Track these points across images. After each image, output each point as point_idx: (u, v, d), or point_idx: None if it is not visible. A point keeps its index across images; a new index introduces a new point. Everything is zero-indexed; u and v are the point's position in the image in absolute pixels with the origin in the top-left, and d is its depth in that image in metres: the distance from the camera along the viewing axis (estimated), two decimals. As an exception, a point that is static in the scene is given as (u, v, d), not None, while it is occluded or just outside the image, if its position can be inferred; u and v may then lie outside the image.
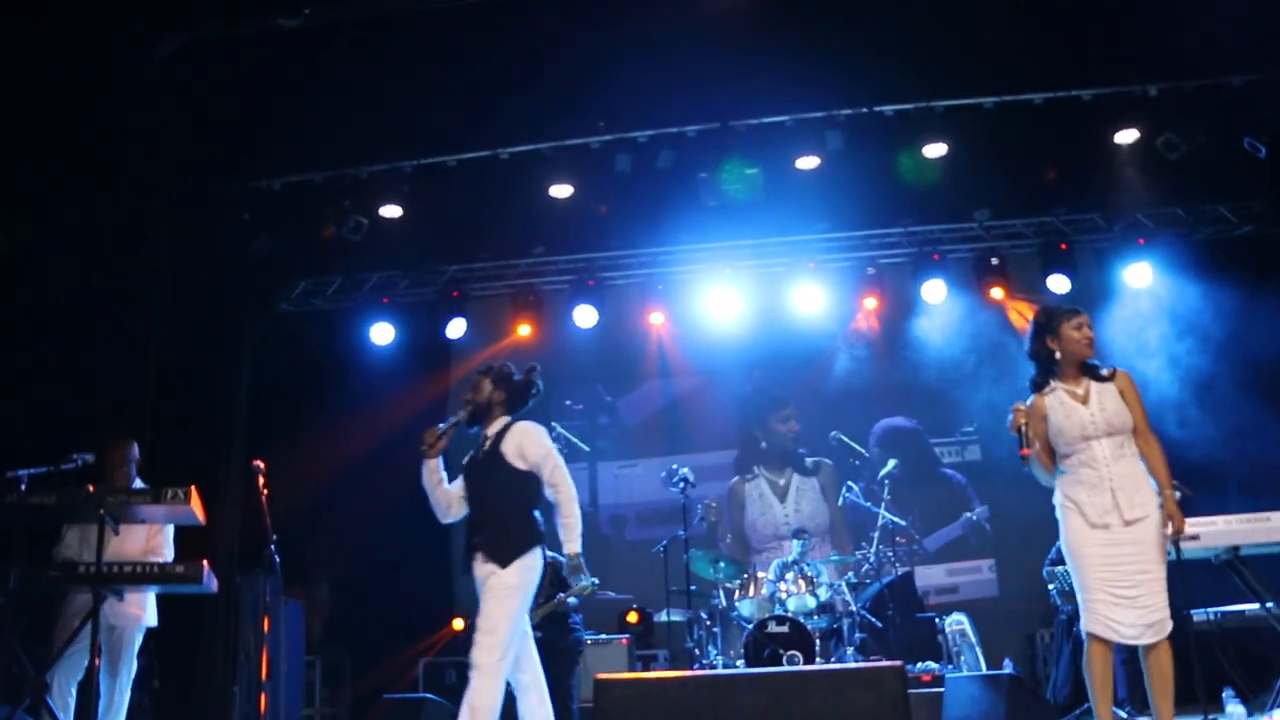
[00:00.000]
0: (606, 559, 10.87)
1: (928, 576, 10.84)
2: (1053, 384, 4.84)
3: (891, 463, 9.83)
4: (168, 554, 6.29)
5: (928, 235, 11.17)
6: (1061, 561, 7.74)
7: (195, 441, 9.59)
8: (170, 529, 6.36)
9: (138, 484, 6.43)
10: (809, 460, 11.61)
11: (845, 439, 10.86)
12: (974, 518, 11.27)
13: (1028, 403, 4.91)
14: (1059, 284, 10.62)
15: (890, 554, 9.63)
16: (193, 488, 5.52)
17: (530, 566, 5.12)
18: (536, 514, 5.30)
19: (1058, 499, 4.75)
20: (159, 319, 9.13)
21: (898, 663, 2.99)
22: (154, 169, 9.14)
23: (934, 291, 10.85)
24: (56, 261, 8.45)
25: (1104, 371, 4.77)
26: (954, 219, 11.14)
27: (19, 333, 8.20)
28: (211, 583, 5.72)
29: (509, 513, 5.23)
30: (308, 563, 10.25)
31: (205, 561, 5.71)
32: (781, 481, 11.67)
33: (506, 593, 4.99)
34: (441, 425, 5.42)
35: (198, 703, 9.27)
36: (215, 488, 9.24)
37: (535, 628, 7.99)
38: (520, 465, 5.26)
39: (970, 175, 10.15)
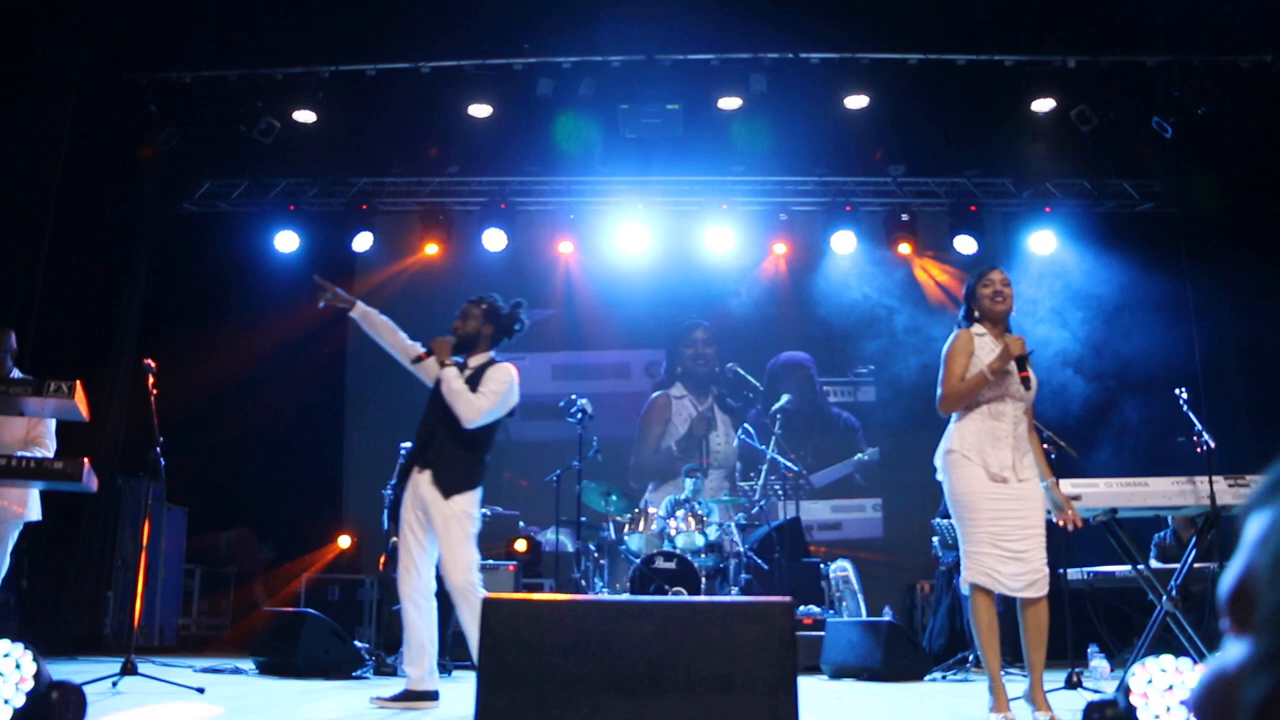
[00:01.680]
0: (496, 474, 10.89)
1: (812, 512, 11.10)
2: (983, 329, 4.88)
3: (785, 397, 9.95)
4: (49, 446, 6.09)
5: (841, 186, 11.27)
6: (949, 515, 7.98)
7: (85, 335, 9.30)
8: (52, 423, 6.15)
9: (16, 374, 6.20)
10: (729, 399, 11.72)
11: (741, 370, 10.97)
12: (865, 457, 11.52)
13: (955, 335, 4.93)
14: (966, 244, 10.84)
15: (778, 488, 9.78)
16: (78, 382, 5.32)
17: (477, 501, 5.20)
18: (487, 457, 5.35)
19: (952, 446, 4.78)
20: (53, 206, 8.77)
21: (787, 599, 3.04)
22: (60, 51, 8.74)
23: (843, 242, 10.98)
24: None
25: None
26: (868, 172, 11.25)
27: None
28: (91, 482, 5.53)
29: (470, 446, 5.23)
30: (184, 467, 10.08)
31: (86, 460, 5.54)
32: (702, 408, 11.79)
33: (468, 522, 5.10)
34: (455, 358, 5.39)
35: (68, 606, 9.08)
36: (102, 384, 8.99)
37: (425, 553, 8.04)
38: None
39: (888, 130, 10.25)
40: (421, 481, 5.16)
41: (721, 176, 11.28)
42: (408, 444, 8.34)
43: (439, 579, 5.19)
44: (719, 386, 11.76)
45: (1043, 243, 10.81)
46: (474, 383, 5.24)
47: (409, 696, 5.16)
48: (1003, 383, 4.72)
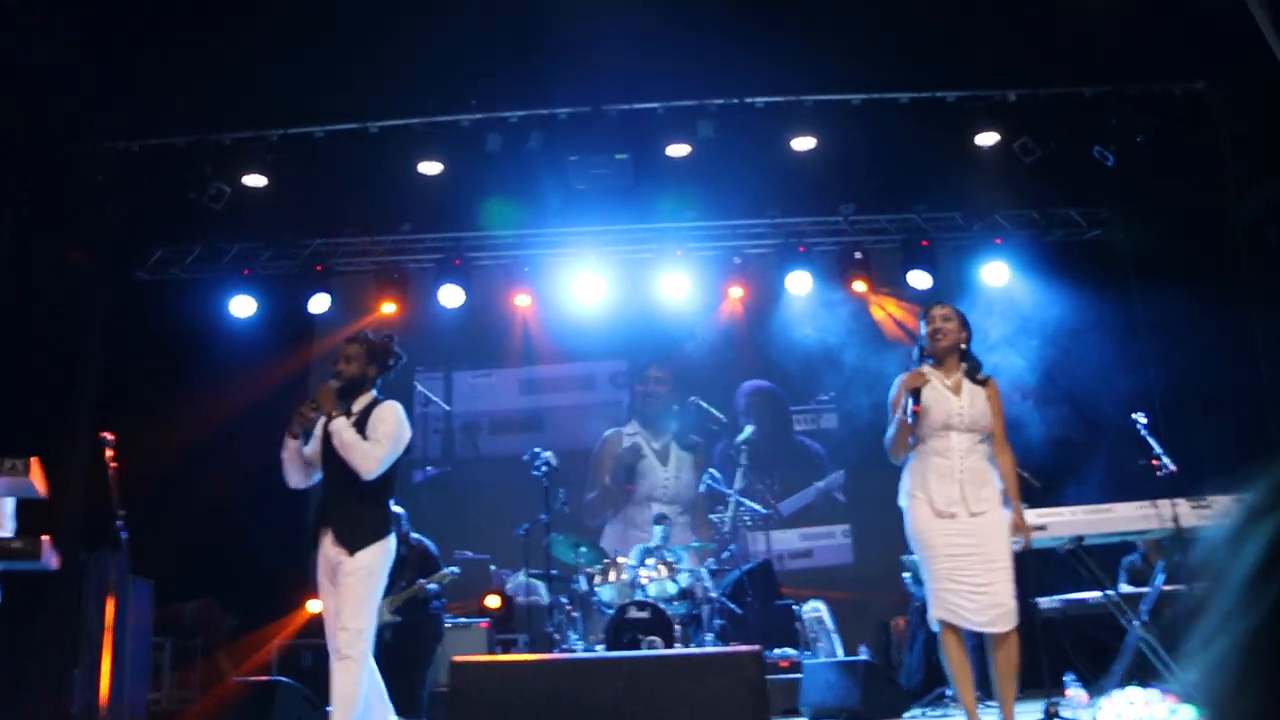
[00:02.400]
0: (466, 517, 10.86)
1: (782, 541, 11.04)
2: (927, 368, 4.95)
3: (749, 429, 9.96)
4: (7, 527, 6.01)
5: (794, 227, 11.36)
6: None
7: (40, 410, 9.18)
8: (10, 501, 6.07)
9: (-29, 454, 6.12)
10: (691, 436, 11.72)
11: (704, 404, 10.96)
12: (823, 486, 11.53)
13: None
14: (920, 279, 10.95)
15: (747, 518, 9.75)
16: (34, 459, 5.27)
17: (385, 553, 5.00)
18: (391, 501, 5.18)
19: (905, 487, 4.86)
20: (4, 282, 8.70)
21: (755, 647, 3.04)
22: (4, 125, 8.70)
23: (798, 283, 11.05)
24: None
25: (979, 376, 4.91)
26: (819, 212, 11.37)
27: None
28: (51, 559, 5.48)
29: (366, 496, 5.04)
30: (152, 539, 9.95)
31: (46, 537, 5.47)
32: (658, 446, 11.75)
33: (368, 578, 4.90)
34: (315, 413, 5.21)
35: (33, 685, 8.91)
36: (59, 460, 8.84)
37: (395, 612, 7.97)
38: None
39: (836, 170, 10.38)
40: (326, 542, 5.01)
41: (674, 223, 11.34)
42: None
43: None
44: (677, 422, 11.74)
45: (995, 274, 10.93)
46: (363, 426, 5.09)
47: None
48: (937, 417, 4.76)
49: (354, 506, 5.03)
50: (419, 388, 12.02)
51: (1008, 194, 10.60)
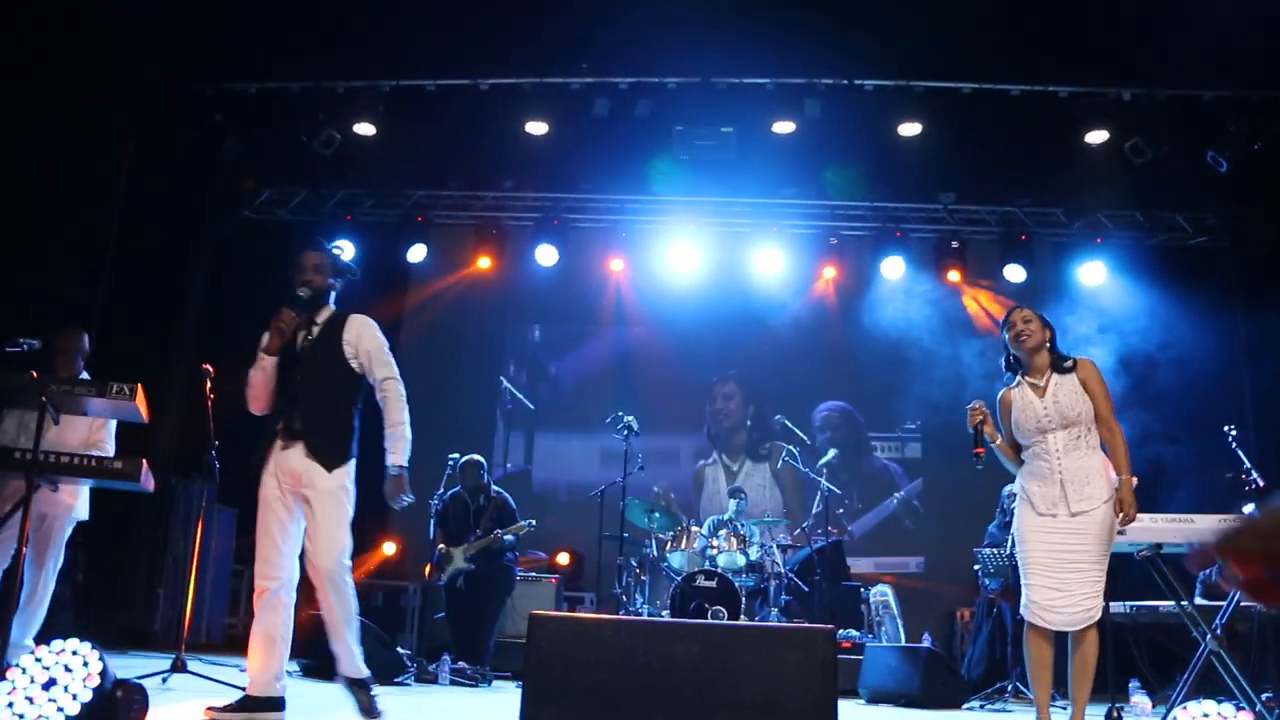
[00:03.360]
0: (541, 513, 11.08)
1: (855, 566, 10.69)
2: (1019, 378, 4.97)
3: (832, 452, 9.97)
4: (109, 448, 6.27)
5: (892, 212, 11.30)
6: (993, 545, 7.98)
7: (145, 338, 9.52)
8: (113, 424, 6.33)
9: (85, 376, 6.39)
10: (764, 447, 11.78)
11: (789, 424, 10.94)
12: (902, 495, 11.50)
13: (998, 397, 5.03)
14: (1015, 273, 10.84)
15: (820, 532, 9.74)
16: (139, 385, 5.48)
17: (353, 474, 4.70)
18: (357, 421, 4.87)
19: (1016, 488, 4.92)
20: (119, 212, 9.01)
21: (829, 626, 3.11)
22: (128, 60, 8.99)
23: (893, 268, 11.01)
24: (24, 149, 8.32)
25: (1067, 363, 4.89)
26: (920, 199, 11.29)
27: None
28: (148, 482, 5.68)
29: (341, 411, 4.74)
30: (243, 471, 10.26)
31: (145, 460, 5.69)
32: (734, 467, 11.86)
33: (345, 497, 4.60)
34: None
35: (121, 601, 9.29)
36: (160, 387, 9.19)
37: (470, 560, 8.15)
38: (354, 363, 4.80)
39: (940, 158, 10.28)
40: (291, 455, 4.59)
41: (773, 199, 11.35)
42: (455, 455, 8.53)
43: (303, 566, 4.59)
44: (750, 436, 11.83)
45: (1093, 274, 10.78)
46: (329, 342, 4.78)
47: (249, 705, 4.49)
48: (1029, 424, 4.78)
49: (330, 422, 4.70)
50: (504, 384, 12.27)
51: (1113, 194, 10.42)
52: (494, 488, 8.63)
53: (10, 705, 2.84)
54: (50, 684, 2.88)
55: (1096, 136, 9.64)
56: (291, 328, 4.77)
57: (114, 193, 9.04)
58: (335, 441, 4.64)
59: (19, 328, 5.86)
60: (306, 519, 4.56)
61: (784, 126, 9.95)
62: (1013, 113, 9.56)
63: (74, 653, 2.96)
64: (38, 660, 2.91)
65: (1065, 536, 4.63)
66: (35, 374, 5.42)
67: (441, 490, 8.46)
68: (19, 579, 5.76)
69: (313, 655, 7.52)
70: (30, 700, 2.84)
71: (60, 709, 2.85)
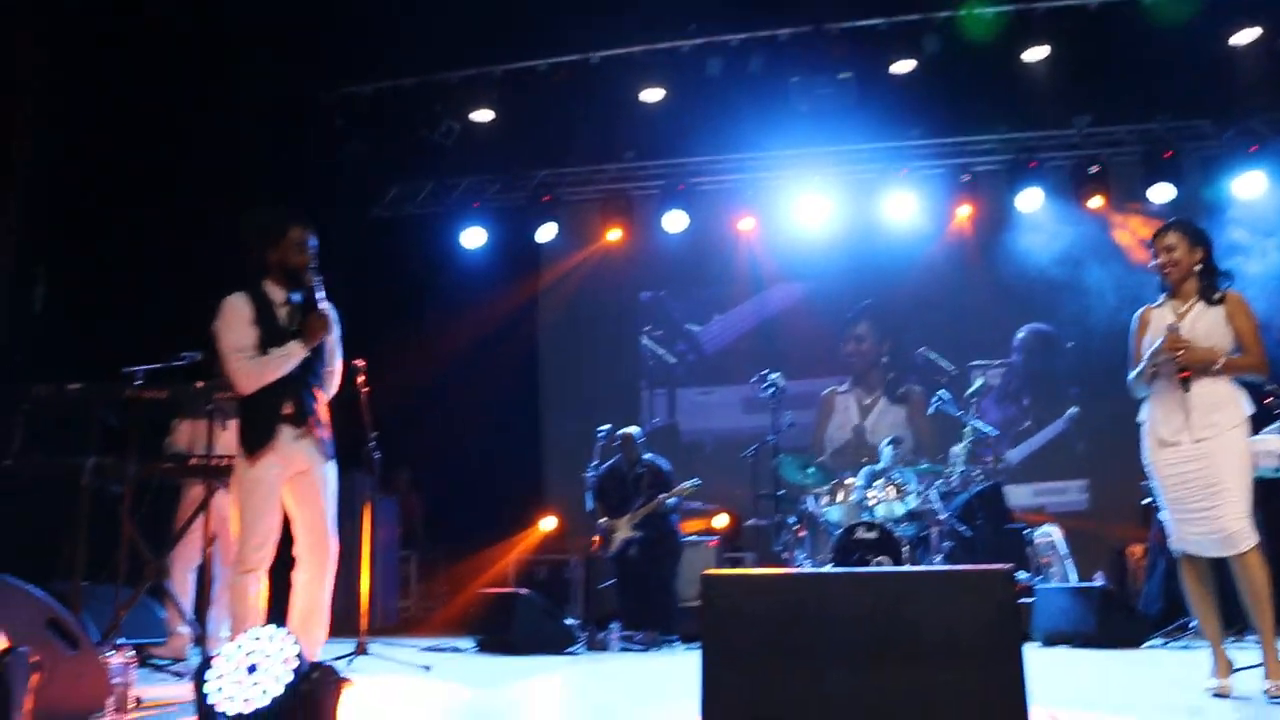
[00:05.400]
0: (689, 467, 11.11)
1: (1014, 496, 10.32)
2: (1162, 298, 4.78)
3: (979, 381, 9.78)
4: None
5: (1024, 142, 10.92)
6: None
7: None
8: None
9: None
10: (901, 389, 11.64)
11: (932, 355, 10.74)
12: (1060, 424, 11.21)
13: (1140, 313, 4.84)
14: (1162, 193, 10.35)
15: (977, 471, 9.53)
16: (297, 385, 5.66)
17: None
18: None
19: (1141, 417, 4.75)
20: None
21: (1008, 566, 3.02)
22: (253, 77, 9.25)
23: (1030, 200, 10.66)
24: (163, 172, 8.65)
25: (1215, 295, 4.66)
26: (1052, 125, 10.87)
27: (134, 239, 8.46)
28: (314, 478, 5.88)
29: (330, 406, 4.94)
30: (395, 461, 10.57)
31: (308, 457, 5.88)
32: (868, 401, 11.74)
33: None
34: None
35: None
36: (315, 387, 9.47)
37: (635, 527, 8.27)
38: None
39: (1070, 80, 9.85)
40: (304, 444, 4.72)
41: (899, 142, 11.09)
42: (605, 426, 8.63)
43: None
44: (889, 375, 11.70)
45: (1249, 185, 10.17)
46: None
47: None
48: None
49: (326, 414, 4.89)
50: (644, 341, 12.35)
51: (1266, 97, 9.81)
52: (646, 454, 8.73)
53: (220, 689, 3.02)
54: (252, 669, 3.05)
55: (1245, 35, 9.09)
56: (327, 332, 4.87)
57: (253, 203, 9.31)
58: (331, 437, 4.84)
59: (180, 342, 6.09)
60: (323, 503, 4.74)
61: (903, 66, 9.68)
62: (1146, 22, 9.09)
63: (271, 639, 3.13)
64: (239, 647, 3.10)
65: (1192, 464, 4.45)
66: (200, 384, 5.66)
67: (596, 462, 8.57)
68: (209, 576, 6.06)
69: (488, 630, 7.75)
70: (237, 684, 3.04)
71: (264, 691, 3.03)
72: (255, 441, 4.65)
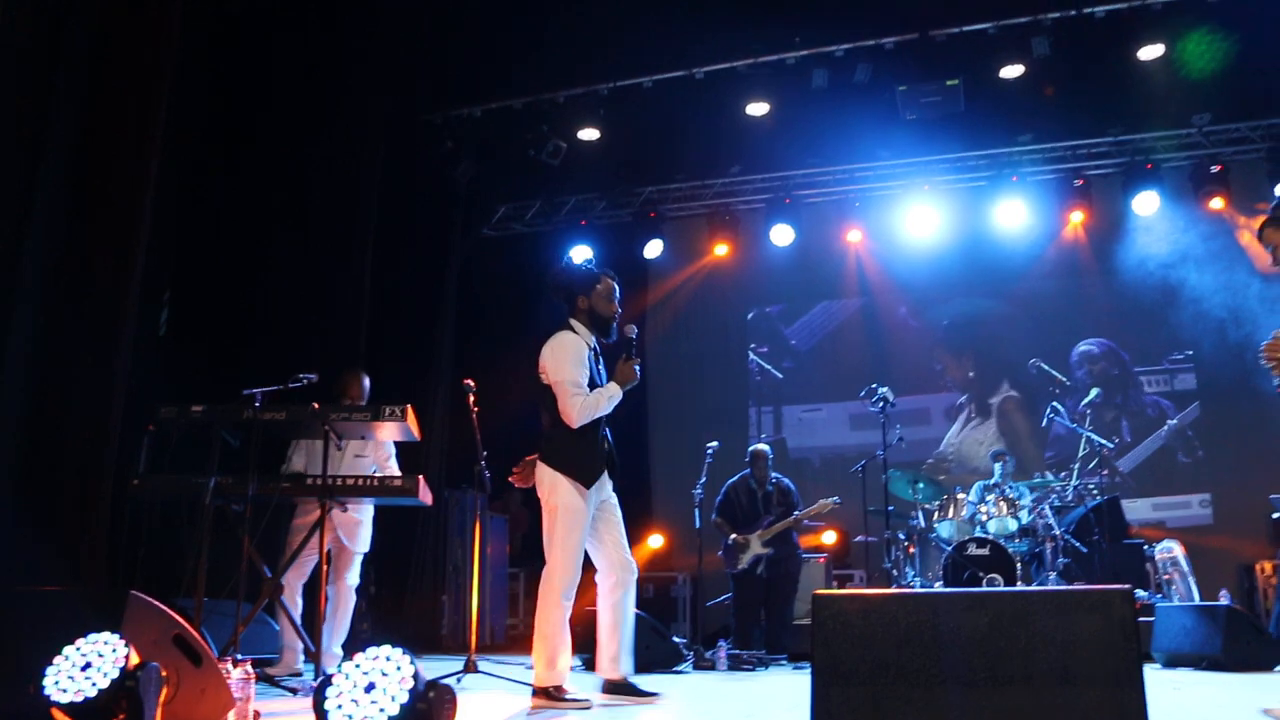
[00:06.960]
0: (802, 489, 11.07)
1: (1131, 511, 10.05)
2: None
3: (1095, 391, 9.53)
4: (393, 468, 6.65)
5: (1140, 144, 10.63)
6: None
7: (408, 362, 10.04)
8: (392, 445, 6.71)
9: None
10: (991, 401, 11.49)
11: (1045, 366, 10.50)
12: (1175, 423, 10.82)
13: None
14: (1290, 191, 9.97)
15: (1092, 487, 9.25)
16: (409, 406, 5.79)
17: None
18: None
19: None
20: (372, 245, 9.53)
21: (1126, 586, 2.93)
22: (366, 102, 9.49)
23: (1146, 203, 10.37)
24: (281, 197, 8.91)
25: None
26: (1169, 125, 10.55)
27: (254, 262, 8.73)
28: (426, 496, 6.00)
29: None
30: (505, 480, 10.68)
31: (420, 476, 6.01)
32: (962, 415, 11.64)
33: None
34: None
35: (410, 610, 9.79)
36: (426, 406, 9.67)
37: (766, 544, 8.28)
38: None
39: (1188, 78, 9.56)
40: (605, 477, 5.18)
41: (1009, 149, 10.90)
42: (714, 444, 8.61)
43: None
44: (982, 385, 11.61)
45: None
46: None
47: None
48: None
49: None
50: (752, 355, 12.32)
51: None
52: (774, 474, 8.71)
53: (339, 707, 3.09)
54: (370, 687, 3.12)
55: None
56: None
57: (367, 229, 9.53)
58: None
59: (298, 365, 6.24)
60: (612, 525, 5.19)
61: (1012, 70, 9.51)
62: (1271, 11, 8.76)
63: (388, 658, 3.19)
64: (357, 666, 3.16)
65: None
66: (316, 405, 5.81)
67: (704, 480, 8.55)
68: (322, 594, 6.19)
69: (594, 648, 7.75)
70: (355, 702, 3.09)
71: (382, 710, 3.09)
72: (589, 476, 5.06)
